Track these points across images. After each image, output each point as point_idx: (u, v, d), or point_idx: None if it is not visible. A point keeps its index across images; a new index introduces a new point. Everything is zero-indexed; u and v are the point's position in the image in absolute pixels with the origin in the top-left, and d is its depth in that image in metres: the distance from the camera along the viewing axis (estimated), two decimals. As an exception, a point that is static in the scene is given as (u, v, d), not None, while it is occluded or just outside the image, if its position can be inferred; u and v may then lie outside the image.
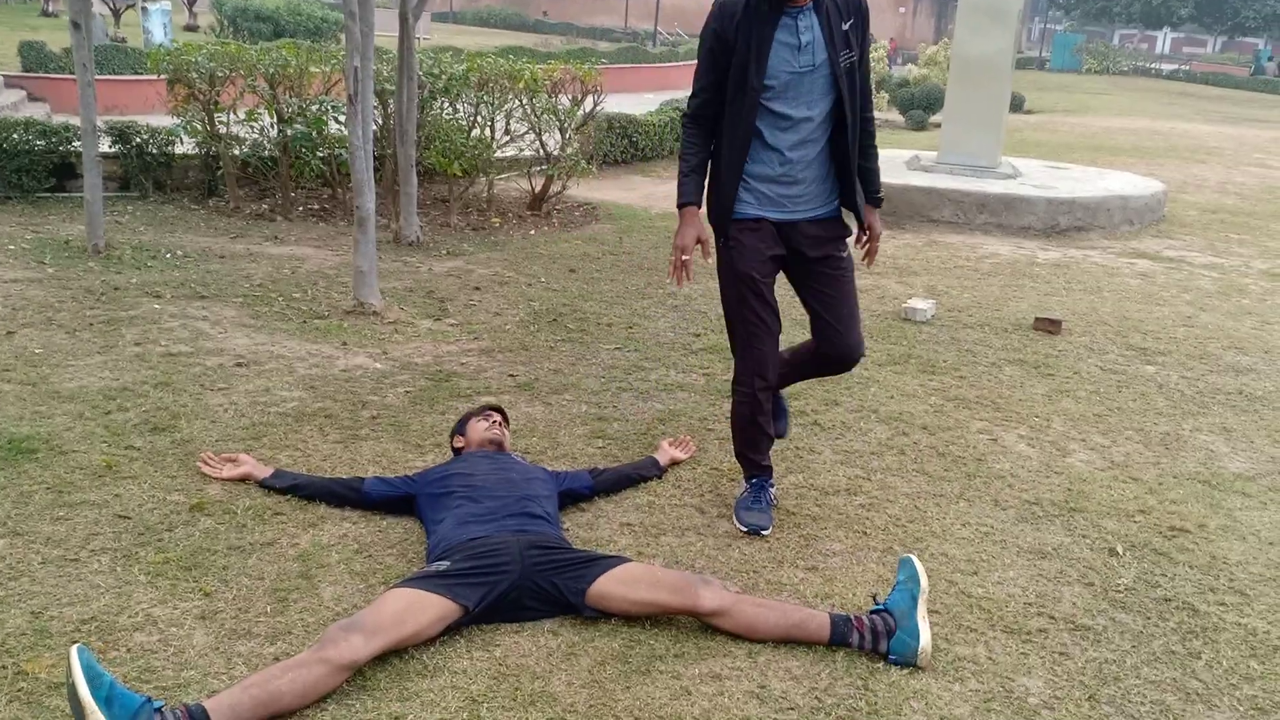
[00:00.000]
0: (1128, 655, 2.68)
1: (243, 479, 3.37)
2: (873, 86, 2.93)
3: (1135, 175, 10.72)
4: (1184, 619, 2.86)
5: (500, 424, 3.49)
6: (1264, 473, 3.89)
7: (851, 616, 2.68)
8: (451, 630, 2.58)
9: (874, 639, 2.62)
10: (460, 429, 3.51)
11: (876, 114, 3.46)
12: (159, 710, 2.05)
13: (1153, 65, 41.55)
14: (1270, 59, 41.04)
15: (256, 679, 2.20)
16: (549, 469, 3.42)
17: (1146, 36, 59.18)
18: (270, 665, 2.23)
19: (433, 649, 2.54)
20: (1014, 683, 2.55)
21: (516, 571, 2.68)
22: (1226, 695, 2.53)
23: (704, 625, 2.69)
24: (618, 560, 2.77)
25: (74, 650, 2.07)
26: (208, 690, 2.35)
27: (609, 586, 2.68)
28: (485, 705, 2.35)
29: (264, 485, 3.33)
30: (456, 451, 3.46)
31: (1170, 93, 30.21)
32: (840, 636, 2.64)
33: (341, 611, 2.69)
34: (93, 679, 2.03)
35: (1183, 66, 39.02)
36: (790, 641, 2.66)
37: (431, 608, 2.51)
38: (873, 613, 2.67)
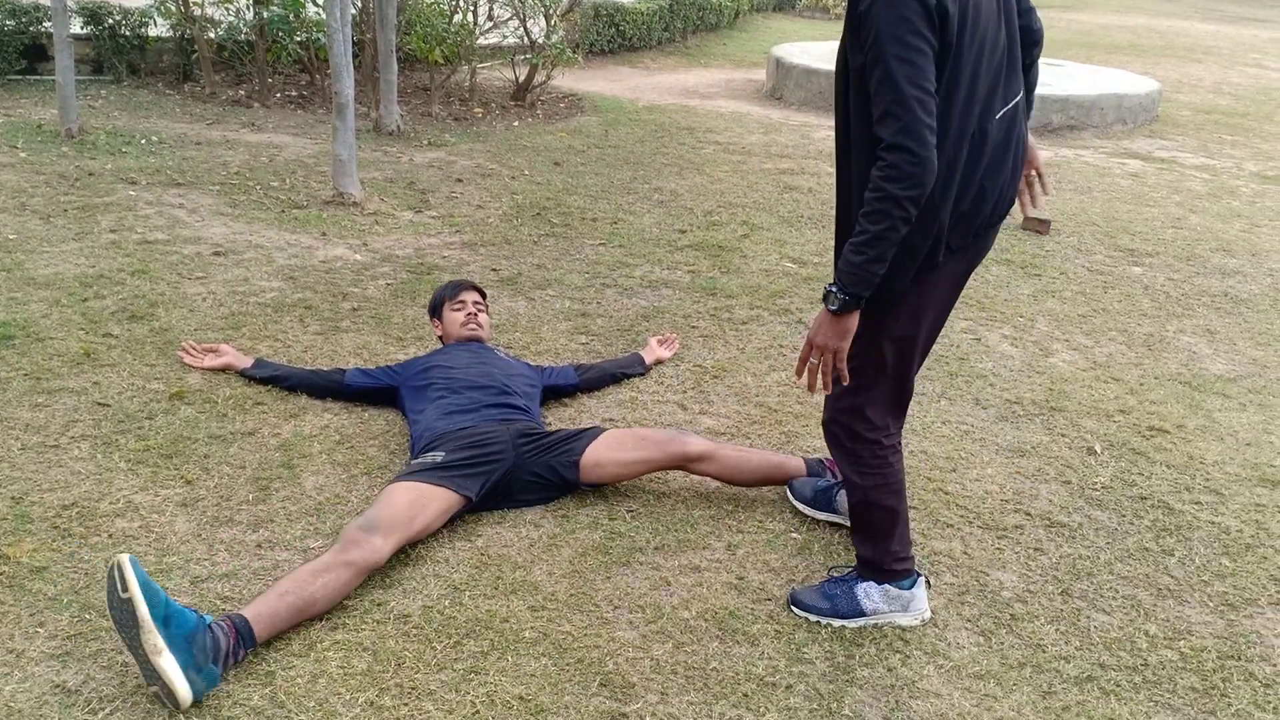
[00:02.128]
0: (1101, 551, 2.73)
1: (224, 369, 3.34)
2: None
3: (1130, 74, 10.53)
4: (1159, 517, 2.90)
5: (476, 314, 3.39)
6: (1245, 375, 3.92)
7: (824, 459, 2.89)
8: (452, 521, 2.60)
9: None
10: (436, 313, 3.46)
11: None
12: (210, 627, 2.03)
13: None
14: None
15: (289, 585, 2.19)
16: (533, 364, 3.40)
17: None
18: (297, 570, 2.23)
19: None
20: (988, 577, 2.59)
21: (510, 459, 2.70)
22: (1197, 591, 2.58)
23: (685, 518, 2.72)
24: (599, 430, 2.86)
25: (126, 562, 1.96)
26: (190, 576, 2.36)
27: (600, 453, 2.75)
28: (467, 593, 2.37)
29: (244, 375, 3.30)
30: (439, 339, 3.44)
31: (1171, -10, 29.52)
32: (815, 474, 2.86)
33: (324, 501, 2.69)
34: (150, 597, 1.96)
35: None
36: (770, 483, 2.86)
37: (437, 500, 2.52)
38: None
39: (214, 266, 4.28)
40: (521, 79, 8.39)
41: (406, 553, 2.49)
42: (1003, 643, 2.35)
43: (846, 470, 2.36)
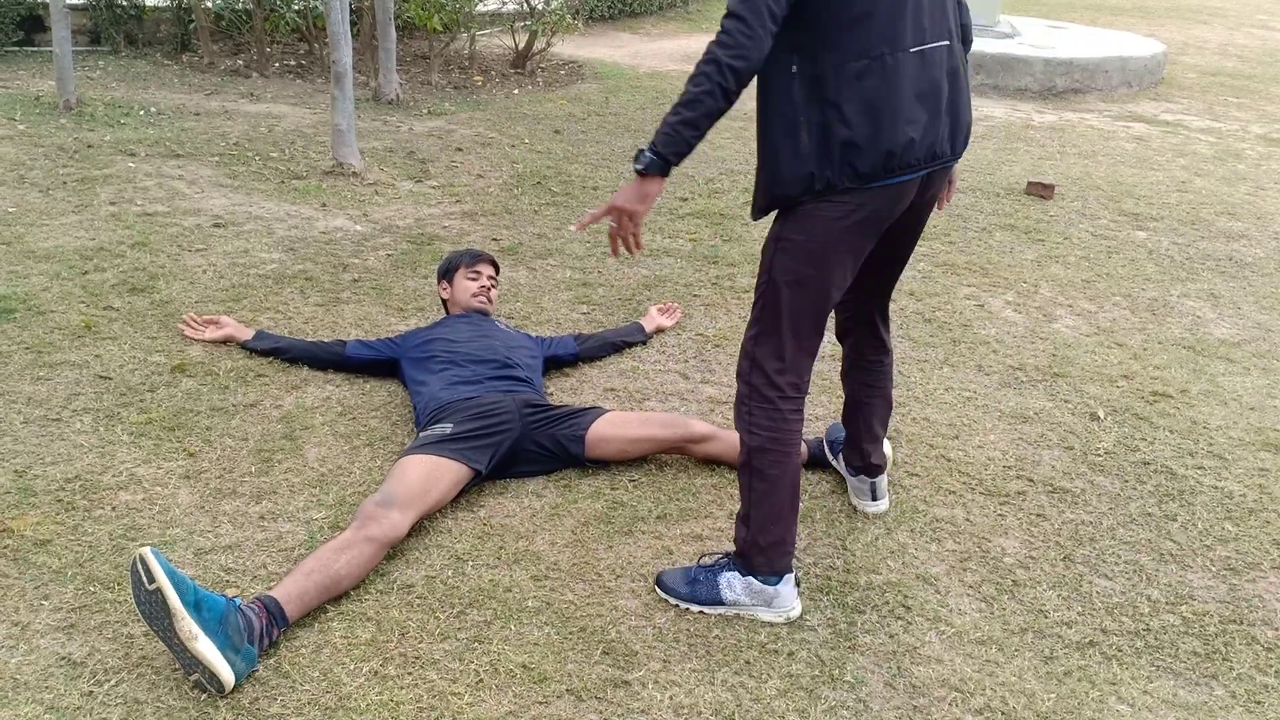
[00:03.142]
0: (1104, 517, 2.73)
1: (224, 341, 3.34)
2: None
3: (1135, 36, 10.42)
4: (1161, 482, 2.90)
5: (490, 288, 3.38)
6: (1249, 339, 3.90)
7: (821, 440, 2.90)
8: (463, 492, 2.60)
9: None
10: (447, 275, 3.41)
11: None
12: (240, 609, 2.04)
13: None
14: None
15: (314, 565, 2.19)
16: (533, 335, 3.39)
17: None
18: (320, 548, 2.23)
19: (417, 509, 2.56)
20: (990, 543, 2.59)
21: (517, 429, 2.71)
22: (1200, 556, 2.58)
23: (687, 487, 2.72)
24: (603, 410, 2.86)
25: (150, 554, 1.96)
26: (193, 548, 2.37)
27: (604, 429, 2.76)
28: (470, 563, 2.38)
29: (245, 347, 3.30)
30: (444, 303, 3.43)
31: (1178, -50, 29.16)
32: (816, 456, 2.87)
33: (326, 473, 2.70)
34: (178, 585, 1.96)
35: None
36: None
37: (449, 473, 2.53)
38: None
39: (214, 238, 4.27)
40: (521, 46, 8.32)
41: (409, 523, 2.49)
42: (1005, 609, 2.35)
43: (737, 423, 2.26)
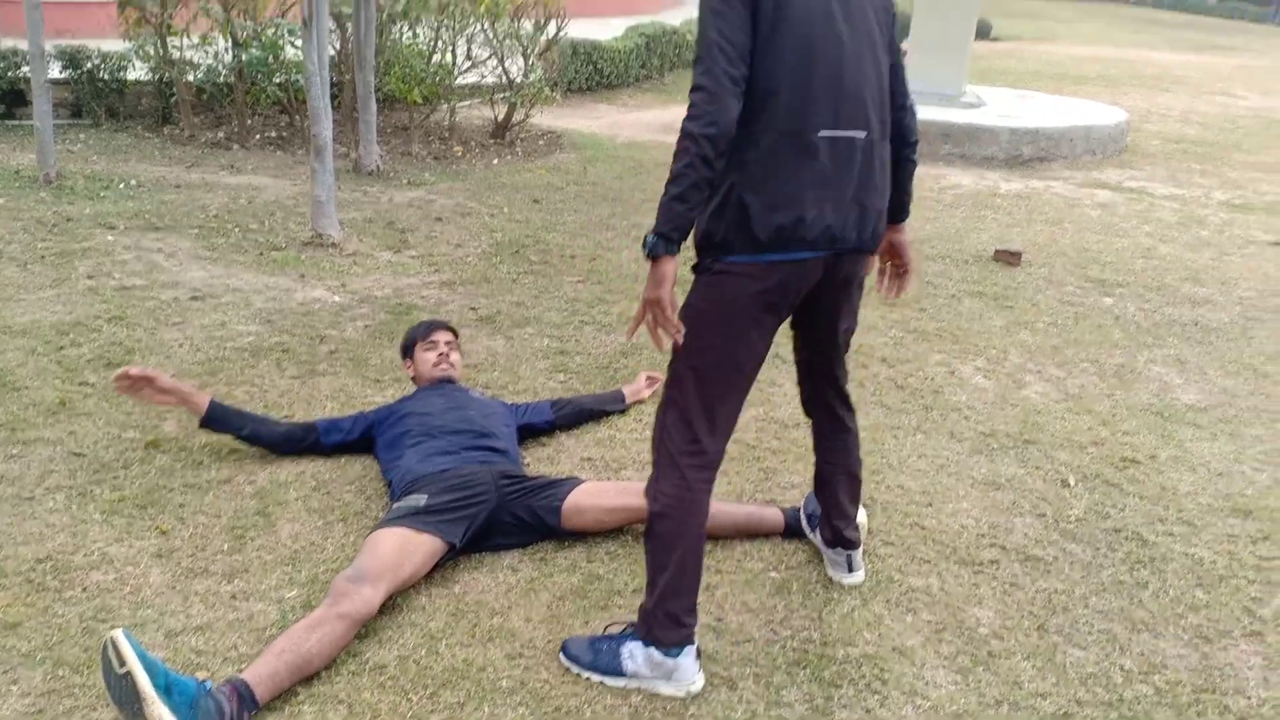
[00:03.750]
0: (1077, 585, 2.75)
1: (177, 404, 3.08)
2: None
3: (1099, 104, 10.70)
4: (1133, 549, 2.93)
5: (448, 353, 3.36)
6: (1216, 404, 3.96)
7: (798, 509, 2.89)
8: (437, 565, 2.59)
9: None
10: (407, 353, 3.43)
11: None
12: (210, 692, 2.01)
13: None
14: None
15: (285, 644, 2.18)
16: (507, 403, 3.41)
17: (1118, -39, 58.58)
18: (291, 628, 2.22)
19: (392, 586, 2.55)
20: (965, 613, 2.60)
21: (493, 501, 2.71)
22: (1172, 624, 2.60)
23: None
24: (579, 480, 2.88)
25: (121, 637, 1.95)
26: (164, 629, 2.35)
27: (581, 500, 2.77)
28: (444, 641, 2.37)
29: (203, 426, 3.08)
30: (412, 379, 3.44)
31: (1139, 19, 30.05)
32: (794, 526, 2.88)
33: (299, 550, 2.69)
34: (149, 668, 1.94)
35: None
36: (748, 534, 2.85)
37: (423, 547, 2.52)
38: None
39: (191, 311, 4.28)
40: (501, 117, 8.45)
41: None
42: (980, 680, 2.36)
43: (645, 489, 2.28)
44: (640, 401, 3.68)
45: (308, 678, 2.20)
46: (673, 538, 2.21)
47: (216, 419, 3.08)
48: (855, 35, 2.14)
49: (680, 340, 2.18)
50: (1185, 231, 6.65)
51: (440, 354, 3.35)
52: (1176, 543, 2.97)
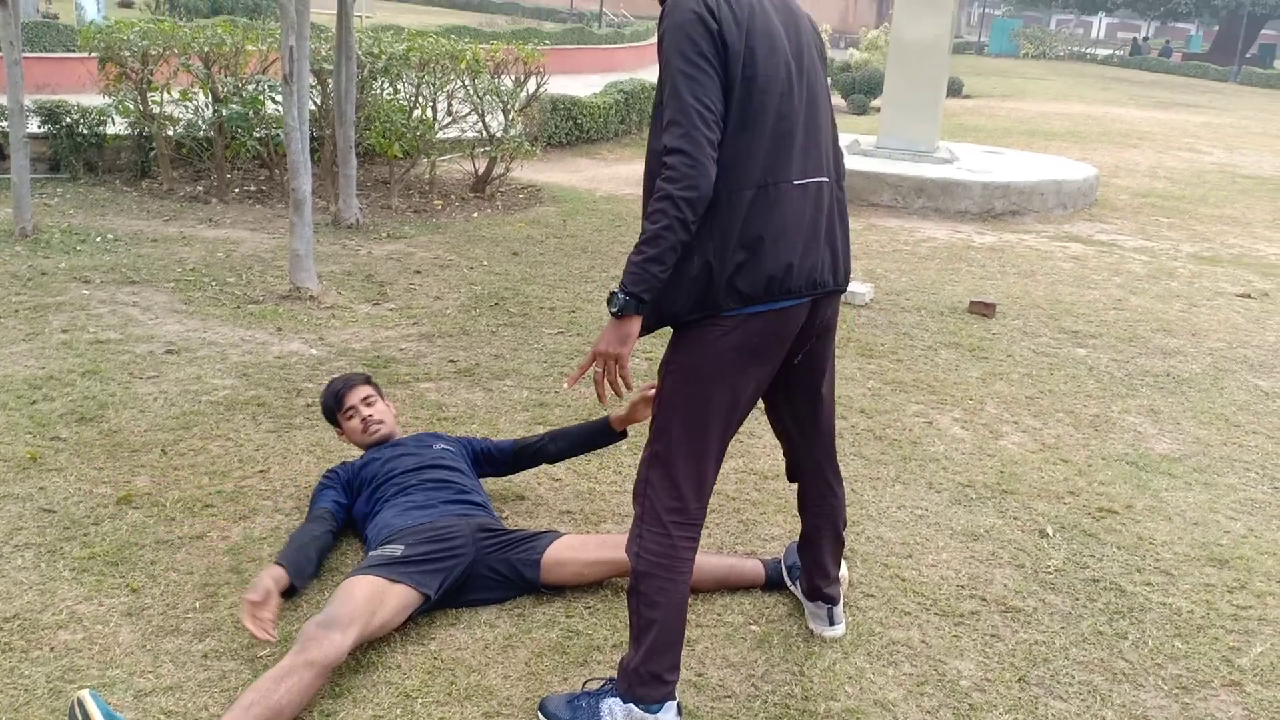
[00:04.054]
0: (1057, 636, 2.74)
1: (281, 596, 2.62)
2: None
3: (1069, 160, 10.91)
4: (1111, 599, 2.93)
5: (370, 415, 3.14)
6: (1189, 454, 4.00)
7: (778, 560, 2.88)
8: (406, 620, 2.56)
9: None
10: (334, 424, 3.24)
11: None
12: None
13: (1088, 50, 42.34)
14: (1146, 39, 44.93)
15: (254, 697, 2.13)
16: (452, 436, 3.25)
17: (1082, 21, 60.21)
18: (260, 679, 2.18)
19: (364, 644, 2.51)
20: (946, 665, 2.59)
21: (470, 554, 2.68)
22: (1152, 675, 2.60)
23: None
24: (558, 533, 2.85)
25: (88, 698, 1.91)
26: (134, 690, 2.30)
27: (561, 553, 2.74)
28: (420, 700, 2.33)
29: (291, 594, 2.70)
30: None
31: (1105, 77, 30.78)
32: (774, 578, 2.86)
33: (274, 606, 2.64)
34: None
35: (1116, 51, 40.11)
36: (728, 587, 2.83)
37: (397, 596, 2.49)
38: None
39: (166, 365, 4.26)
40: (481, 171, 8.52)
41: (357, 658, 2.44)
42: (962, 734, 2.34)
43: (628, 545, 2.24)
44: (634, 421, 3.28)
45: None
46: (657, 596, 2.19)
47: (295, 580, 2.68)
48: (810, 87, 2.20)
49: (657, 394, 2.18)
50: (1155, 283, 6.75)
51: (364, 419, 3.15)
52: (1154, 592, 2.98)
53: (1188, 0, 38.54)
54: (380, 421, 3.17)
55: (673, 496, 2.20)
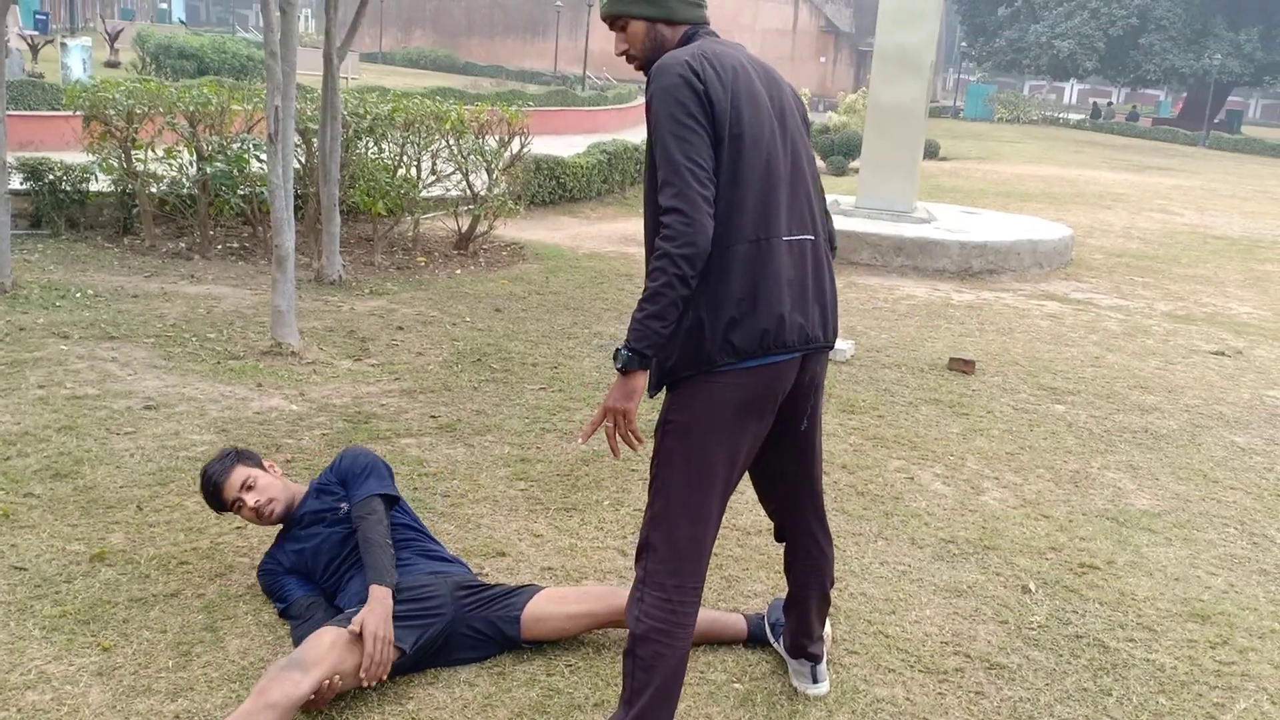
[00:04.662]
0: (1041, 693, 2.72)
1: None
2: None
3: (1044, 220, 11.09)
4: (1095, 655, 2.92)
5: (259, 501, 2.85)
6: (1169, 509, 4.01)
7: (761, 615, 2.87)
8: (380, 680, 2.51)
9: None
10: (228, 511, 2.95)
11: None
12: None
13: (1060, 115, 43.29)
14: (1110, 104, 46.62)
15: None
16: (330, 484, 2.97)
17: (1055, 87, 61.63)
18: None
19: (342, 703, 2.47)
20: (931, 723, 2.56)
21: (449, 613, 2.65)
22: (1135, 730, 2.58)
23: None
24: (538, 588, 2.82)
25: None
26: (104, 750, 2.24)
27: (542, 607, 2.71)
28: (397, 759, 2.28)
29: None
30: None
31: (1078, 141, 31.41)
32: (757, 634, 2.84)
33: (248, 666, 2.60)
34: None
35: (1085, 117, 41.15)
36: (709, 640, 2.80)
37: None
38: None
39: (144, 421, 4.22)
40: (464, 229, 8.57)
41: (333, 719, 2.40)
42: (947, 793, 2.31)
43: (628, 608, 2.23)
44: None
45: None
46: (654, 660, 2.18)
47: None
48: (794, 149, 2.25)
49: (656, 454, 2.18)
50: (1131, 341, 6.82)
51: (255, 509, 2.86)
52: (1138, 649, 2.97)
53: (1156, 68, 39.52)
54: (272, 500, 2.87)
55: (674, 561, 2.20)
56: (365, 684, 2.43)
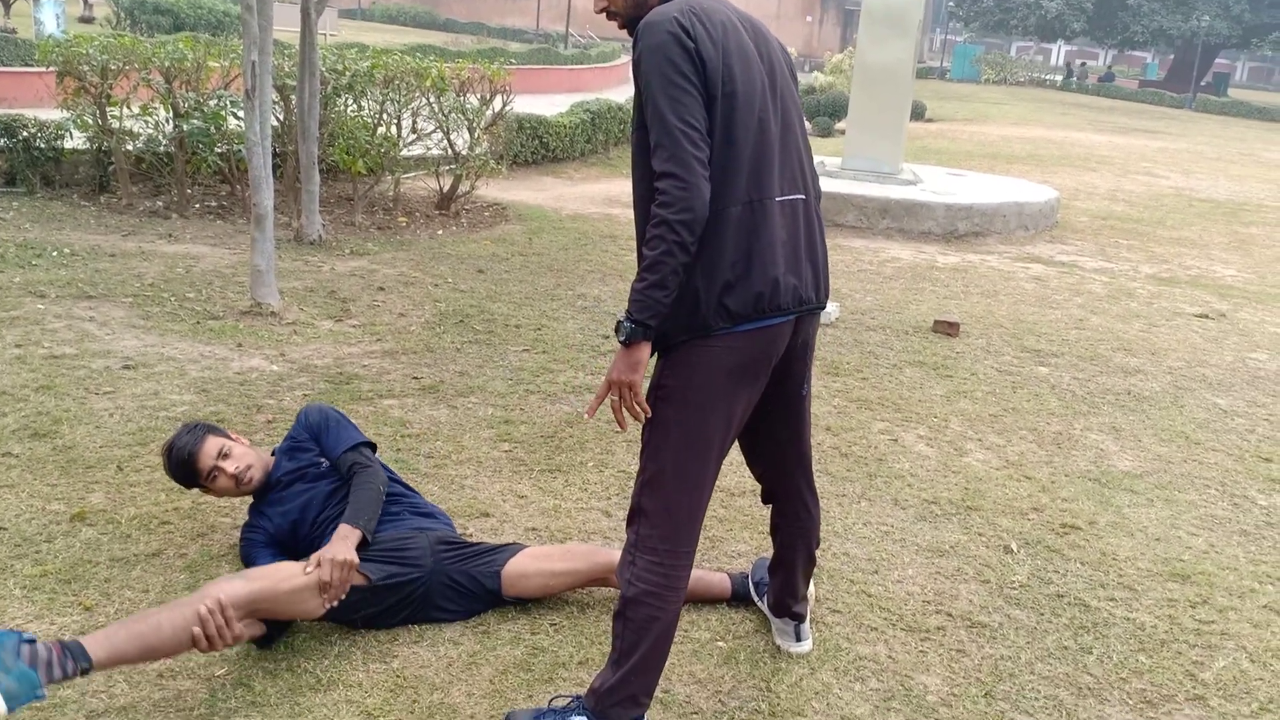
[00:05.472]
0: (1022, 651, 2.74)
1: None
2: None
3: (1030, 183, 11.07)
4: (1076, 614, 2.94)
5: (238, 468, 2.78)
6: (1150, 470, 4.04)
7: (745, 574, 2.88)
8: (365, 641, 2.49)
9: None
10: (198, 487, 2.86)
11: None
12: (30, 642, 1.95)
13: (1047, 76, 43.13)
14: (1083, 65, 46.65)
15: (136, 615, 2.13)
16: (296, 440, 2.94)
17: (1042, 49, 61.39)
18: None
19: (326, 661, 2.46)
20: (913, 681, 2.58)
21: (429, 565, 2.64)
22: (1117, 689, 2.60)
23: (610, 630, 2.67)
24: (521, 546, 2.82)
25: None
26: (85, 710, 2.23)
27: (525, 564, 2.71)
28: (382, 719, 2.28)
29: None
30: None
31: (1065, 103, 31.33)
32: (741, 593, 2.85)
33: (232, 624, 2.58)
34: None
35: (1071, 78, 40.93)
36: (694, 598, 2.78)
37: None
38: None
39: (123, 381, 4.17)
40: (446, 189, 8.49)
41: (318, 677, 2.39)
42: (929, 749, 2.33)
43: (619, 570, 2.23)
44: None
45: (155, 656, 2.18)
46: (646, 623, 2.17)
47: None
48: (784, 106, 2.21)
49: (649, 419, 2.16)
50: (1115, 304, 6.84)
51: (234, 475, 2.78)
52: (1118, 608, 2.99)
53: (1144, 29, 39.38)
54: (250, 466, 2.81)
55: (667, 526, 2.18)
56: (325, 601, 2.42)
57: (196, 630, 2.18)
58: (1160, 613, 2.98)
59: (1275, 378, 5.38)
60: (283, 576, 2.38)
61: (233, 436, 2.91)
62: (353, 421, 2.98)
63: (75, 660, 2.01)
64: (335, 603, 2.45)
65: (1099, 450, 4.21)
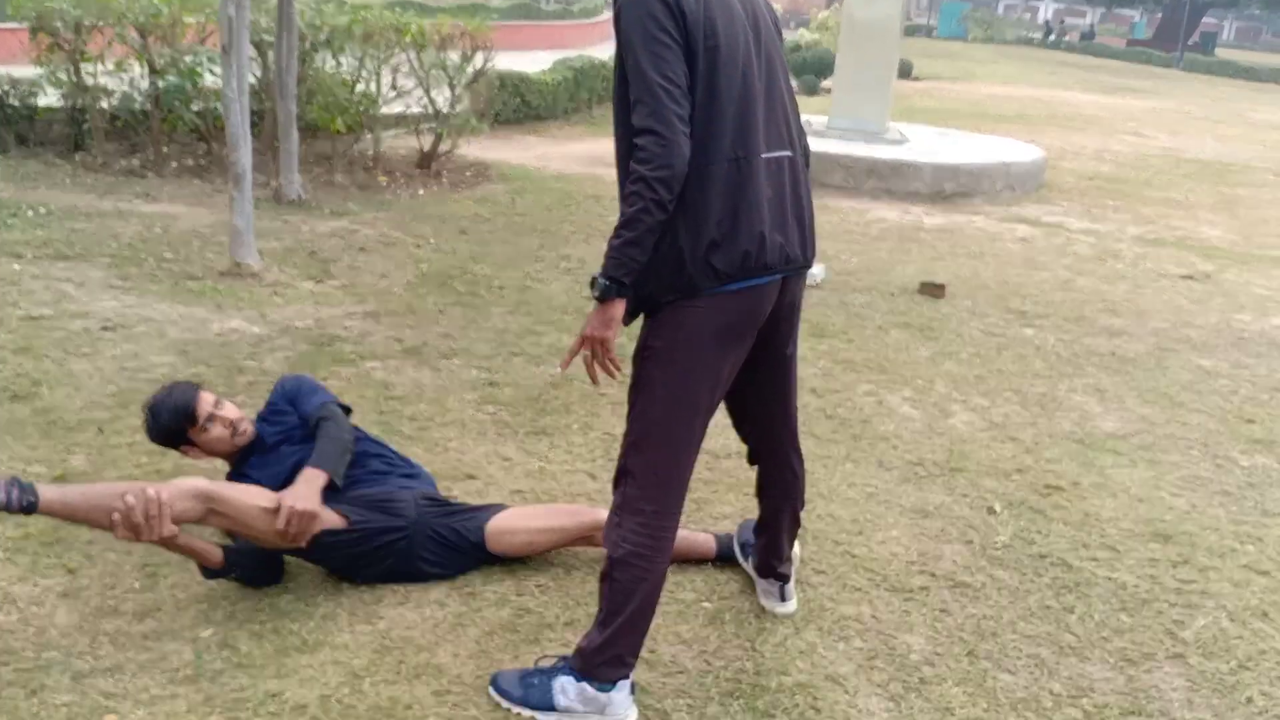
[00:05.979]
0: (1005, 611, 2.77)
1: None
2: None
3: (1017, 142, 11.03)
4: (1058, 574, 2.96)
5: (238, 417, 2.77)
6: (1134, 432, 4.06)
7: (735, 539, 2.87)
8: (352, 603, 2.49)
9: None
10: (180, 441, 2.75)
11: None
12: None
13: (1033, 35, 42.89)
14: (1062, 22, 46.33)
15: (102, 483, 2.20)
16: (275, 407, 2.92)
17: (1029, 6, 61.02)
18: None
19: (312, 622, 2.46)
20: (896, 640, 2.60)
21: (413, 517, 2.64)
22: (1098, 648, 2.63)
23: (596, 591, 2.67)
24: (505, 505, 2.82)
25: None
26: (71, 672, 2.23)
27: (509, 521, 2.71)
28: (368, 680, 2.29)
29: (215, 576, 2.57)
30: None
31: (1052, 62, 31.18)
32: (726, 554, 2.86)
33: (215, 586, 2.58)
34: None
35: (1064, 37, 40.70)
36: (679, 559, 2.74)
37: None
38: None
39: (102, 342, 4.13)
40: (427, 148, 8.38)
41: (303, 638, 2.39)
42: (912, 706, 2.35)
43: (606, 532, 2.22)
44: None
45: (98, 523, 2.22)
46: (633, 584, 2.17)
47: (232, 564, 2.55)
48: (768, 61, 2.17)
49: (634, 380, 2.14)
50: (1101, 265, 6.85)
51: (231, 423, 2.74)
52: (1100, 568, 3.02)
53: (1131, -13, 39.11)
54: (243, 418, 2.80)
55: (653, 487, 2.18)
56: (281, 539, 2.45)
57: (116, 516, 2.17)
58: (1142, 572, 3.01)
59: (1259, 339, 5.41)
60: (252, 493, 2.40)
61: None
62: (330, 391, 2.97)
63: (23, 492, 2.07)
64: (301, 543, 2.45)
65: (1083, 411, 4.23)
